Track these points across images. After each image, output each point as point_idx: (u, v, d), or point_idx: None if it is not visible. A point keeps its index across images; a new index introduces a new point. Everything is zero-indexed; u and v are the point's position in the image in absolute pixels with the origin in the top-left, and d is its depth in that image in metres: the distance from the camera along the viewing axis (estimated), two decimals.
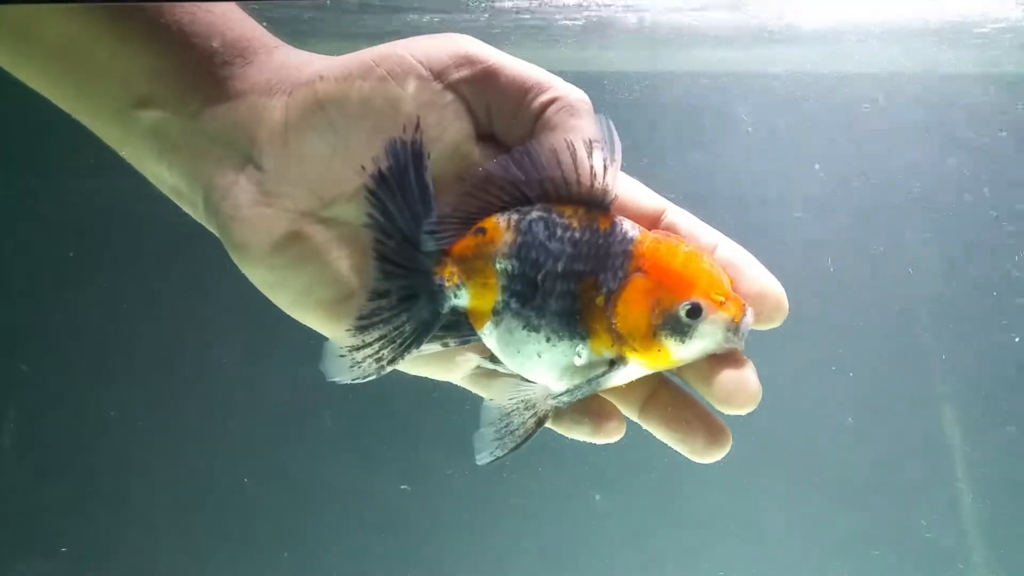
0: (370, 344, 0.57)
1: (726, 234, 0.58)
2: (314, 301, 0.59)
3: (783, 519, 1.57)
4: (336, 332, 0.58)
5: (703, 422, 0.56)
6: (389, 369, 0.57)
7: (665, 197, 0.60)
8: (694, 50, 1.45)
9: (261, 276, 0.59)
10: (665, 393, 0.58)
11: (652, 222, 0.59)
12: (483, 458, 0.57)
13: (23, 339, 1.64)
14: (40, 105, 0.61)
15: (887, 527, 1.56)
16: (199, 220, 0.62)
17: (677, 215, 0.59)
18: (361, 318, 0.57)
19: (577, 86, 0.58)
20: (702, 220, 0.59)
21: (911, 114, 1.45)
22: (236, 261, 0.59)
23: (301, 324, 0.60)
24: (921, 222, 1.48)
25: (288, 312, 0.60)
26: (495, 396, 0.58)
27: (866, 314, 1.52)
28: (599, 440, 0.57)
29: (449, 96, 0.57)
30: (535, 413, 0.57)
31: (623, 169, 0.58)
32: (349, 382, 0.57)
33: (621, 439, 0.58)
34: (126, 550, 1.63)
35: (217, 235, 0.60)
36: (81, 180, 1.49)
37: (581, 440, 0.58)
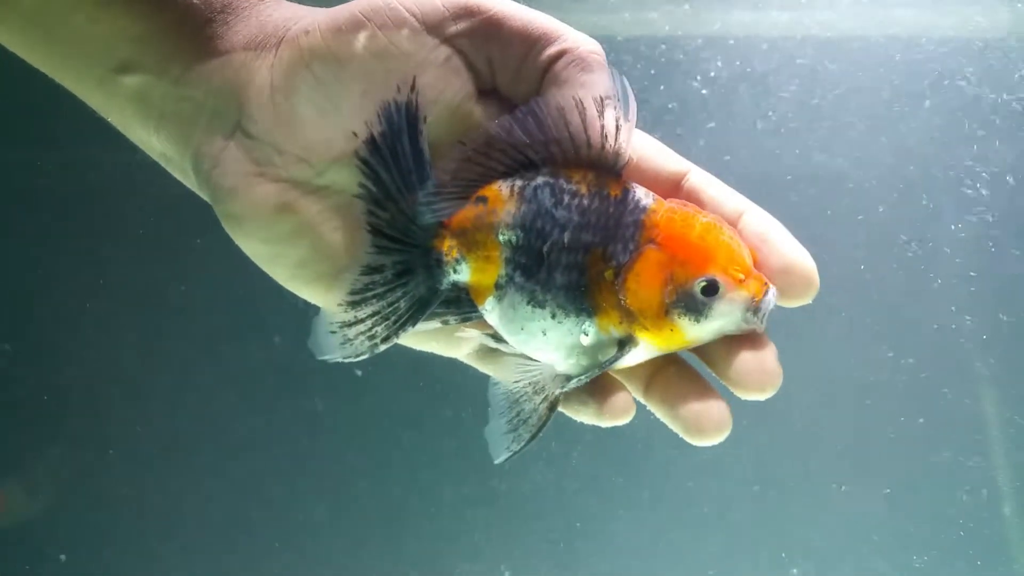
0: (362, 320, 0.53)
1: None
2: (312, 274, 0.56)
3: (815, 506, 1.52)
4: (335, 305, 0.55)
5: (702, 401, 0.51)
6: (383, 347, 0.54)
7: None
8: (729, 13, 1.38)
9: (256, 249, 0.56)
10: (671, 370, 0.53)
11: (672, 185, 0.54)
12: (500, 455, 0.53)
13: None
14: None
15: (925, 510, 1.50)
16: (191, 187, 0.59)
17: (700, 178, 0.54)
18: (353, 293, 0.54)
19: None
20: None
21: (955, 84, 1.36)
22: (229, 233, 0.56)
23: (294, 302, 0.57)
24: (962, 199, 1.41)
25: (285, 285, 0.57)
26: (501, 375, 0.55)
27: (903, 295, 1.45)
28: (606, 423, 0.53)
29: (446, 51, 0.53)
30: (545, 397, 0.53)
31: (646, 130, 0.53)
32: (340, 360, 0.54)
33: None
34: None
35: (210, 204, 0.57)
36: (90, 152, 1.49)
37: (589, 423, 0.54)
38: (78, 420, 1.65)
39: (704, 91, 1.41)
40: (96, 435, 1.65)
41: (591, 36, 0.53)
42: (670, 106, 1.40)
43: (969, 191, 1.40)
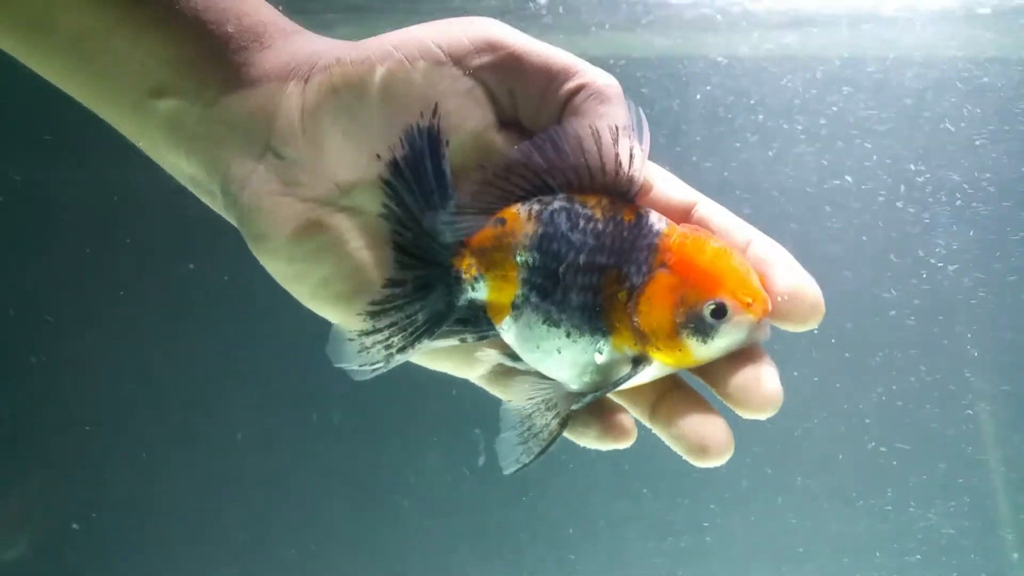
0: (380, 330, 0.55)
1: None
2: (333, 293, 0.57)
3: (807, 521, 1.53)
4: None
5: (706, 423, 0.52)
6: (399, 359, 0.55)
7: (696, 188, 0.57)
8: (729, 35, 1.42)
9: (280, 268, 0.58)
10: (676, 394, 0.55)
11: (682, 215, 0.56)
12: (509, 466, 0.54)
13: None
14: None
15: (918, 527, 1.52)
16: (217, 210, 0.61)
17: (709, 208, 0.56)
18: (373, 303, 0.56)
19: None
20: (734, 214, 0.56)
21: (952, 101, 1.40)
22: (255, 252, 0.58)
23: (313, 317, 0.59)
24: (957, 215, 1.44)
25: (306, 304, 0.59)
26: (513, 398, 0.56)
27: (898, 311, 1.48)
28: (607, 446, 0.55)
29: (470, 83, 0.55)
30: (557, 413, 0.55)
31: (654, 160, 0.56)
32: (356, 369, 0.55)
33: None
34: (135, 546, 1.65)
35: (236, 225, 0.59)
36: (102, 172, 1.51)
37: (591, 447, 0.55)
38: (94, 427, 1.65)
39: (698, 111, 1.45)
40: (111, 442, 1.66)
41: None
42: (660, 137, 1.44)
43: (966, 207, 1.42)
